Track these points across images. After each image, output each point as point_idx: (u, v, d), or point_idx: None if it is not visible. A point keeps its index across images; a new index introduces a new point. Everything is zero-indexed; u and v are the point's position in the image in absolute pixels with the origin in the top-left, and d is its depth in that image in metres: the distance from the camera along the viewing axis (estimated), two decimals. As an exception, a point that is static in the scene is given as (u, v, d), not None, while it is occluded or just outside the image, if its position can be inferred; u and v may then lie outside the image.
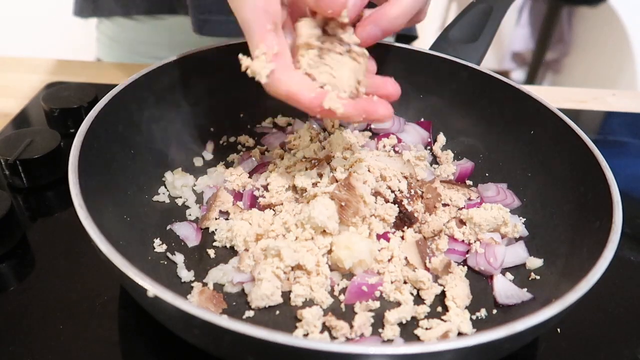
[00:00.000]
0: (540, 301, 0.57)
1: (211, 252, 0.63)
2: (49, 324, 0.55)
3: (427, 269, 0.60)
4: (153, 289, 0.41)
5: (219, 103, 0.81)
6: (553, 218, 0.66)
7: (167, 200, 0.69)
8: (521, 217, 0.68)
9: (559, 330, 0.58)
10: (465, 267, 0.62)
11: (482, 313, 0.57)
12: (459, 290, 0.57)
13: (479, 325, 0.56)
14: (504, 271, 0.62)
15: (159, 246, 0.62)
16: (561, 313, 0.43)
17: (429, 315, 0.57)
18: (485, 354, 0.43)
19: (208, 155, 0.77)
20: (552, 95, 1.10)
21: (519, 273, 0.62)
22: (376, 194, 0.63)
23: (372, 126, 0.84)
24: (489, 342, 0.39)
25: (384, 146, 0.79)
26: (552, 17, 2.56)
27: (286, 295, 0.57)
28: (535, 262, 0.62)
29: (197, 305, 0.53)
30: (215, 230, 0.65)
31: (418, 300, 0.58)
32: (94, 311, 0.57)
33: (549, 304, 0.43)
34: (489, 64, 0.75)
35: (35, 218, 0.69)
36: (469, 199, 0.70)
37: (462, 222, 0.65)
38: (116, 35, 1.11)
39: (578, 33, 2.68)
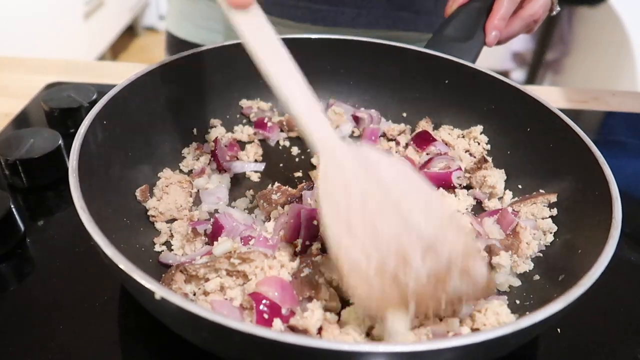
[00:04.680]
0: (540, 301, 0.56)
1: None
2: (49, 324, 0.55)
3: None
4: (160, 291, 0.41)
5: (219, 103, 0.82)
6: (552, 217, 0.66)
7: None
8: (521, 217, 0.68)
9: (559, 330, 0.58)
10: None
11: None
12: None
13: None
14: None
15: (160, 246, 0.62)
16: (565, 309, 0.43)
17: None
18: (484, 352, 0.43)
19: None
20: (552, 95, 1.10)
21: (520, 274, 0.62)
22: None
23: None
24: (489, 339, 0.39)
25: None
26: (552, 17, 2.56)
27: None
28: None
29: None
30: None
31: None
32: (94, 311, 0.57)
33: (552, 300, 0.43)
34: (489, 64, 0.76)
35: (35, 218, 0.69)
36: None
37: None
38: (185, 10, 1.10)
39: (578, 33, 2.68)
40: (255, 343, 0.38)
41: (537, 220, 0.66)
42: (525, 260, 0.62)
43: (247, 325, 0.38)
